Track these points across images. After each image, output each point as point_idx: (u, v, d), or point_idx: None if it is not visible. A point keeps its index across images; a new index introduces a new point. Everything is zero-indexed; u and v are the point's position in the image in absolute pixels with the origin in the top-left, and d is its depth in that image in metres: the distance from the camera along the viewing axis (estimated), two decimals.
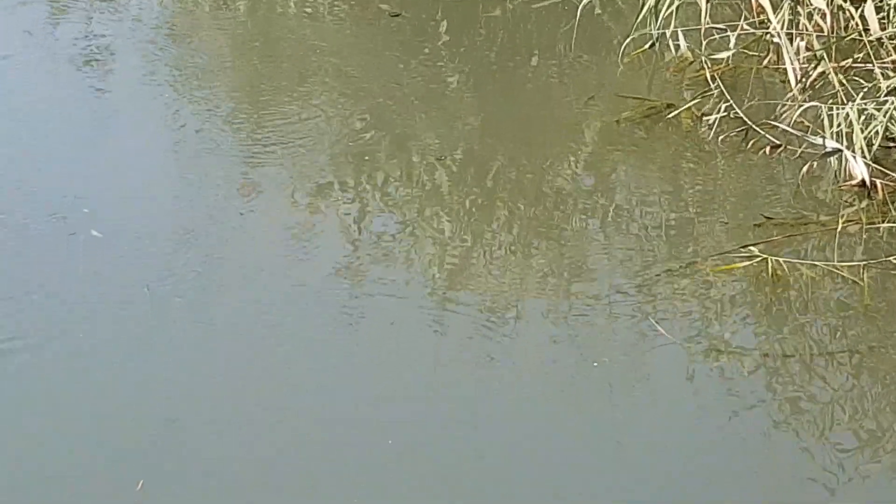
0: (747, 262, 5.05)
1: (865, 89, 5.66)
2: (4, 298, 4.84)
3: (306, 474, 4.09)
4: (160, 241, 5.22)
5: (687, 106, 6.14)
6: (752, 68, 6.34)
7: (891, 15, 5.96)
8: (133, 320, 4.75)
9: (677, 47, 6.40)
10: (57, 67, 6.78)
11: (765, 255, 5.03)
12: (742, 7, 6.51)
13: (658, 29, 6.36)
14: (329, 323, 4.75)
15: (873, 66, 5.80)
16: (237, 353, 4.59)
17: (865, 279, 4.95)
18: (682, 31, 6.35)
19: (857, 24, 6.04)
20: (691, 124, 6.07)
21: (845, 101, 5.57)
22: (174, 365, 4.54)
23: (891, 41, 5.92)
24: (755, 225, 5.32)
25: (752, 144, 5.85)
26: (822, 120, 5.51)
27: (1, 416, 4.31)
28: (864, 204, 5.41)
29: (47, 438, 4.22)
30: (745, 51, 6.41)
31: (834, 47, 6.07)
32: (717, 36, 6.37)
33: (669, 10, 6.28)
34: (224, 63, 6.90)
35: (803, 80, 6.04)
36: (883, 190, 5.41)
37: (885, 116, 5.41)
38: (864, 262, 5.03)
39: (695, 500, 4.06)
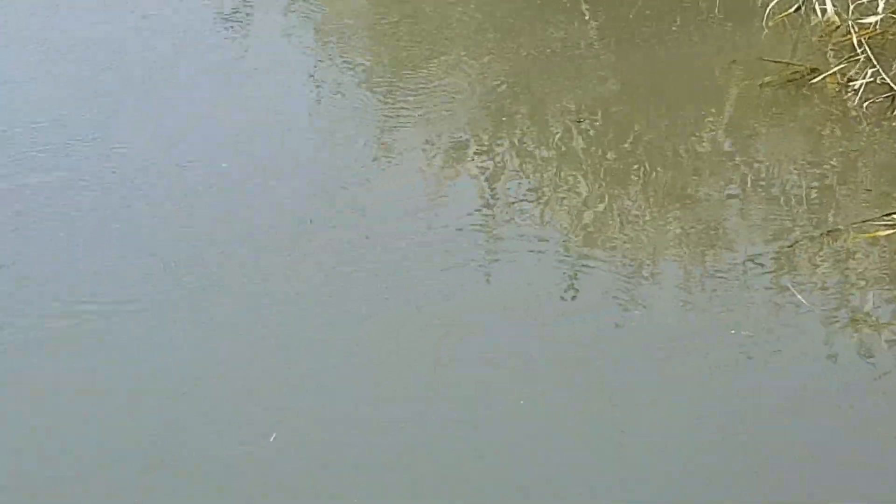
0: (890, 231, 4.95)
1: None
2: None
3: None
4: (290, 198, 5.28)
5: (832, 71, 6.03)
6: None
7: None
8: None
9: (824, 11, 6.30)
10: (197, 26, 6.85)
11: None
12: None
13: None
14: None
15: None
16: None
17: None
18: None
19: None
20: (836, 90, 5.96)
21: None
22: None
23: None
24: None
25: None
26: None
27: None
28: None
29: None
30: (894, 15, 6.26)
31: None
32: (864, 0, 6.24)
33: None
34: (364, 21, 6.91)
35: None
36: None
37: None
38: None
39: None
